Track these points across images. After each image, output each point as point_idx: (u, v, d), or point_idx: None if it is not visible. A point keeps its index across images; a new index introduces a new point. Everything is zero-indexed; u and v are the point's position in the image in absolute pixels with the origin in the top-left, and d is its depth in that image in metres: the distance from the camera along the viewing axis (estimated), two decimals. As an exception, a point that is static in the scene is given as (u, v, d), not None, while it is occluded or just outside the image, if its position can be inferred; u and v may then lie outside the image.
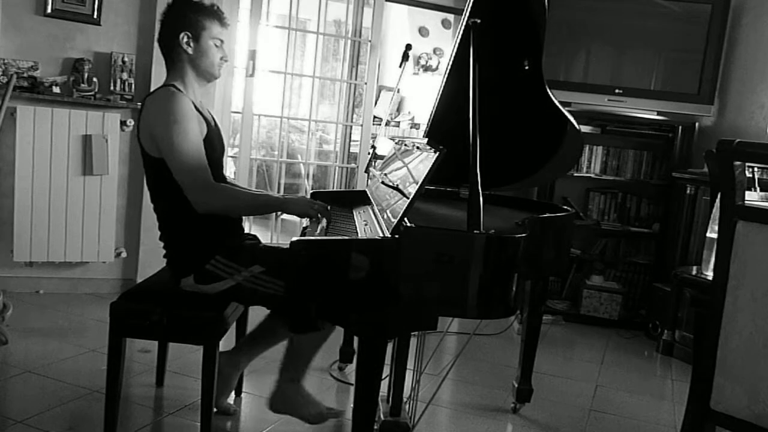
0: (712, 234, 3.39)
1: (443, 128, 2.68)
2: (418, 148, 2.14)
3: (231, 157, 4.35)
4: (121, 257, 3.85)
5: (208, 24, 2.21)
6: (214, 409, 2.44)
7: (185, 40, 2.18)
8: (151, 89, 3.66)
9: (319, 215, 2.23)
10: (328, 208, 2.25)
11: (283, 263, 2.09)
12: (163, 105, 2.10)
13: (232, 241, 2.25)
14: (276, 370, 2.31)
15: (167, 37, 2.21)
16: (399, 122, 6.00)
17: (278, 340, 2.44)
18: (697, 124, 4.20)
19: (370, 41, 4.36)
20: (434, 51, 6.27)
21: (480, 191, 1.75)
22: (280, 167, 4.72)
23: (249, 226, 4.12)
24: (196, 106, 2.18)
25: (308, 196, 2.53)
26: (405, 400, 2.47)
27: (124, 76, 3.71)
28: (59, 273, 3.77)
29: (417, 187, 1.77)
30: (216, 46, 2.23)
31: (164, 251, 2.27)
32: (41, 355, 2.85)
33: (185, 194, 2.07)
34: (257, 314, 2.39)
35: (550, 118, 2.61)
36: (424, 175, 1.76)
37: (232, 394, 2.64)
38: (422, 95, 5.93)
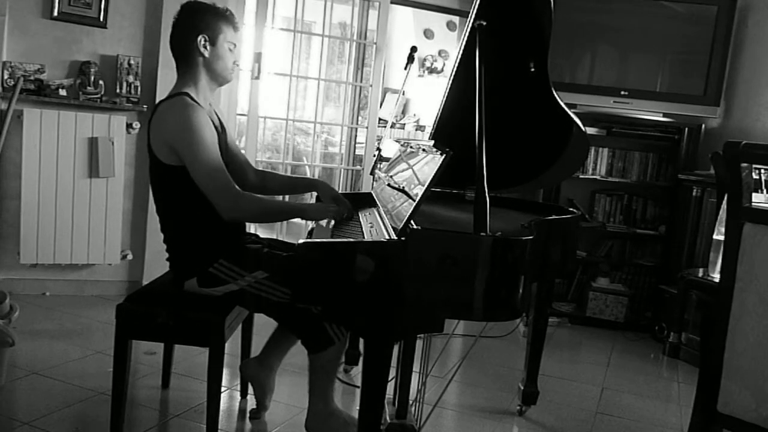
0: (718, 236, 3.39)
1: (449, 130, 2.67)
2: (423, 150, 2.13)
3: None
4: (127, 259, 3.86)
5: (225, 28, 2.20)
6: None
7: (202, 42, 2.16)
8: (157, 92, 3.71)
9: (334, 218, 2.30)
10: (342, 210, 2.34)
11: (287, 270, 2.09)
12: (180, 116, 2.07)
13: (236, 245, 2.24)
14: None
15: (182, 40, 2.18)
16: (404, 124, 6.00)
17: None
18: (703, 125, 4.18)
19: (375, 43, 4.36)
20: (439, 53, 6.28)
21: (486, 193, 1.75)
22: (285, 169, 4.73)
23: (255, 227, 4.12)
24: (208, 114, 2.18)
25: (314, 200, 2.56)
26: (411, 402, 2.47)
27: (130, 78, 3.72)
28: (65, 275, 3.78)
29: (423, 189, 1.76)
30: (230, 50, 2.23)
31: (167, 254, 2.27)
32: (47, 357, 2.86)
33: (212, 202, 2.07)
34: (263, 317, 2.39)
35: (556, 120, 2.60)
36: (430, 178, 1.75)
37: (238, 393, 2.65)
38: (427, 97, 5.94)
